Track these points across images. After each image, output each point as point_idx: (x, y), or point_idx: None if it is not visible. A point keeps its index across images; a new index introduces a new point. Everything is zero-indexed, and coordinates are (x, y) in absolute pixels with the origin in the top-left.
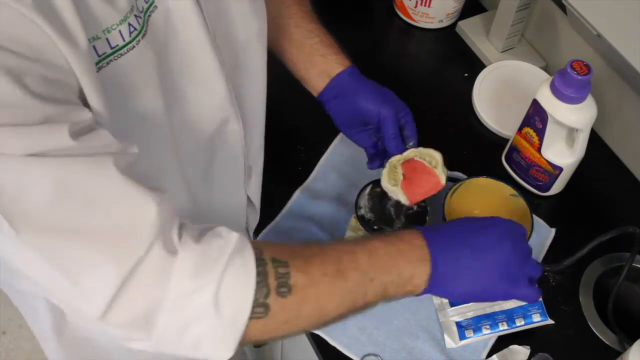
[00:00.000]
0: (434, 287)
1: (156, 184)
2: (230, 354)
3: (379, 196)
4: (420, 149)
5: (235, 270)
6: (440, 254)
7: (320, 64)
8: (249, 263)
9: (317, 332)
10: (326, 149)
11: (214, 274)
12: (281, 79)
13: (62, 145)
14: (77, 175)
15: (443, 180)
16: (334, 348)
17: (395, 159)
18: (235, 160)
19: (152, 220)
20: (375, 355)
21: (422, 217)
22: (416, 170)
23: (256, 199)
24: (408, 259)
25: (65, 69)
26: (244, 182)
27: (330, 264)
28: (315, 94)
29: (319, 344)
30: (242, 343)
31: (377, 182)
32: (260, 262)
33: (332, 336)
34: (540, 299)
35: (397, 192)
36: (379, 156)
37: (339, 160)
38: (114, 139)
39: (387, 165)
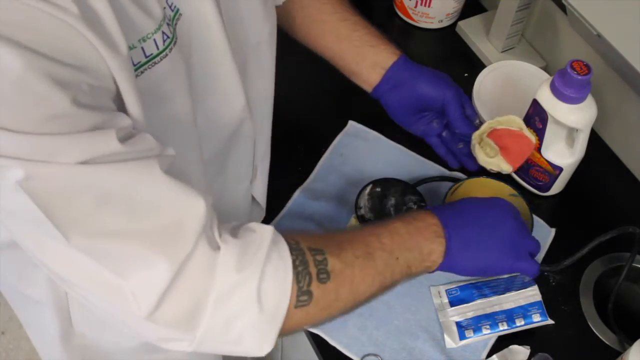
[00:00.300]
0: (447, 262)
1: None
2: (271, 347)
3: (379, 196)
4: (497, 118)
5: (274, 262)
6: (453, 230)
7: (371, 56)
8: (285, 255)
9: (317, 332)
10: (326, 149)
11: (256, 267)
12: (281, 79)
13: (112, 150)
14: (124, 180)
15: (534, 139)
16: (334, 348)
17: (478, 135)
18: (245, 160)
19: (201, 215)
20: (375, 355)
21: None
22: (504, 137)
23: (261, 199)
24: (425, 236)
25: (106, 76)
26: (249, 182)
27: (359, 247)
28: (369, 88)
29: (319, 344)
30: (284, 333)
31: (377, 182)
32: (299, 251)
33: (332, 336)
34: (540, 299)
35: (498, 163)
36: (446, 148)
37: (339, 160)
38: (156, 142)
39: (474, 142)
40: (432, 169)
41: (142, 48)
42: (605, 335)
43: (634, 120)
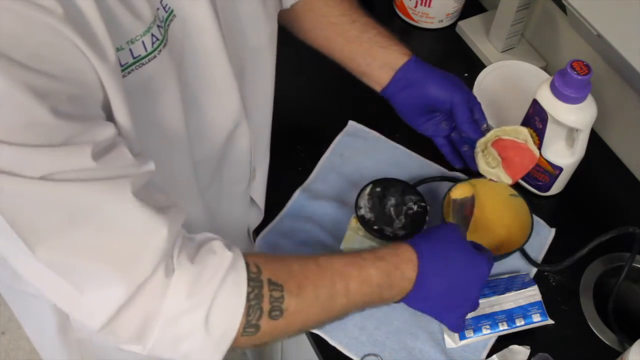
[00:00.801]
0: (401, 301)
1: (168, 199)
2: None
3: (379, 196)
4: (504, 127)
5: (227, 291)
6: (422, 287)
7: (382, 56)
8: (241, 284)
9: (317, 332)
10: (326, 148)
11: (207, 295)
12: (281, 79)
13: (83, 167)
14: (94, 200)
15: (538, 153)
16: (334, 348)
17: (482, 142)
18: (242, 163)
19: (162, 244)
20: (375, 355)
21: (422, 216)
22: (508, 148)
23: (260, 200)
24: (395, 290)
25: (91, 83)
26: (247, 184)
27: (323, 287)
28: (378, 88)
29: (319, 344)
30: (230, 349)
31: (377, 182)
32: (257, 283)
33: (332, 336)
34: (540, 299)
35: (498, 174)
36: (451, 148)
37: (339, 160)
38: (133, 158)
39: (478, 149)
40: (432, 169)
41: (130, 49)
42: (605, 335)
43: (634, 120)
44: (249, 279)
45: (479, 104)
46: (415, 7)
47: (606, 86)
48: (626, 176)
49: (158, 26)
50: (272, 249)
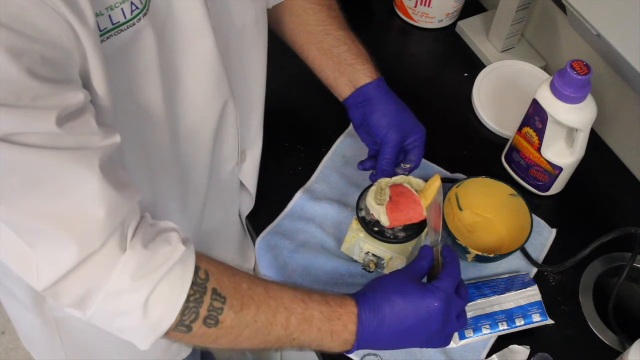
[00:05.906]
0: (352, 351)
1: (127, 176)
2: (147, 347)
3: None
4: (411, 177)
5: (170, 282)
6: (364, 342)
7: (347, 74)
8: (185, 278)
9: None
10: (326, 149)
11: (150, 280)
12: (283, 79)
13: (46, 131)
14: (56, 169)
15: (425, 213)
16: None
17: (385, 182)
18: (229, 141)
19: (111, 219)
20: (375, 355)
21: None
22: (403, 195)
23: (251, 186)
24: (335, 339)
25: (69, 47)
26: (235, 164)
27: (264, 313)
28: (340, 99)
29: None
30: (165, 337)
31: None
32: (201, 289)
33: None
34: (540, 299)
35: (379, 212)
36: (373, 160)
37: (341, 161)
38: (97, 128)
39: (376, 185)
40: (433, 170)
41: (110, 16)
42: (605, 335)
43: (634, 120)
44: (195, 284)
45: (420, 146)
46: (415, 7)
47: (606, 86)
48: (626, 176)
49: None
50: (273, 249)
